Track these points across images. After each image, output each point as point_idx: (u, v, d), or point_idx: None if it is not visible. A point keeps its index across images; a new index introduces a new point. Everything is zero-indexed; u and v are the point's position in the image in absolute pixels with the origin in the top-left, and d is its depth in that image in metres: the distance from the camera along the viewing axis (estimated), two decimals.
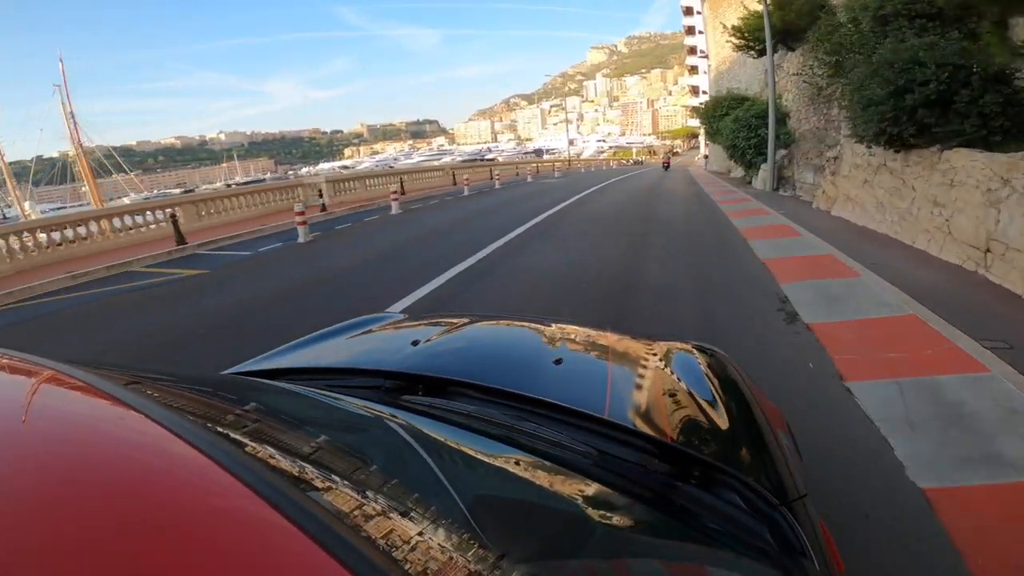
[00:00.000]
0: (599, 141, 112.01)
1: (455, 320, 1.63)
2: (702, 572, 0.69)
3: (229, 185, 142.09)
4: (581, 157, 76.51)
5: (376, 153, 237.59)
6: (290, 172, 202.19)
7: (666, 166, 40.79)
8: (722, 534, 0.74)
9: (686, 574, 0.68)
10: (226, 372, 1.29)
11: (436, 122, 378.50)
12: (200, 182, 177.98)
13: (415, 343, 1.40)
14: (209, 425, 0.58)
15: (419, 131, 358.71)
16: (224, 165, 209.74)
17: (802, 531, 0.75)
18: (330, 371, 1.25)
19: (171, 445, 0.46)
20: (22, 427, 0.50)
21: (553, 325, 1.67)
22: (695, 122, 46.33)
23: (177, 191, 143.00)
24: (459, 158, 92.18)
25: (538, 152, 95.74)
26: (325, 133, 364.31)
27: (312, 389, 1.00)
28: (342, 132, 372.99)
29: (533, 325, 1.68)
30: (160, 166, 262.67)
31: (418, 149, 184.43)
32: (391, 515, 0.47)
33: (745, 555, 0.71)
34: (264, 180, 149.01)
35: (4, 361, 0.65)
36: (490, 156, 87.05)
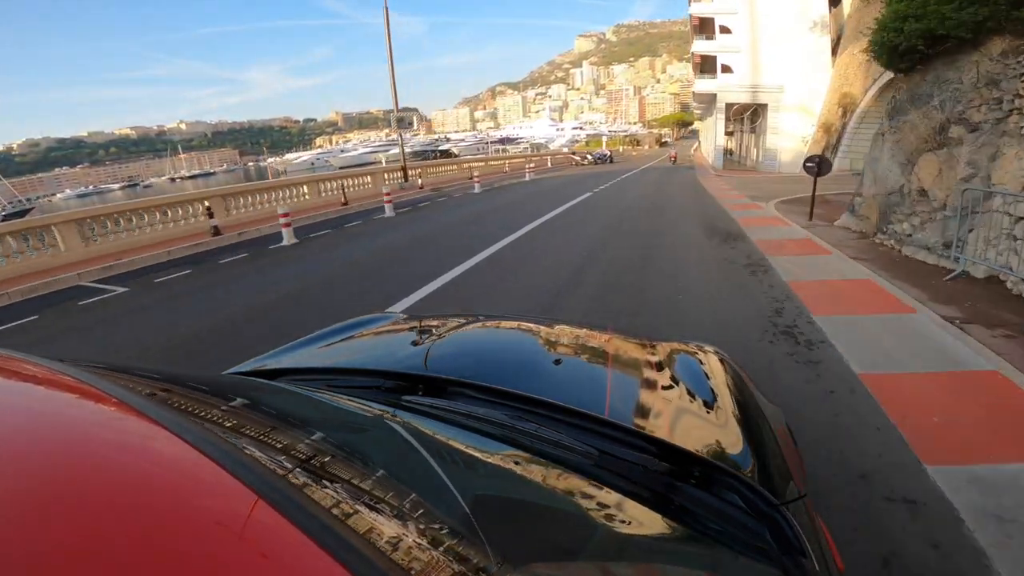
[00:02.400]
0: (575, 128, 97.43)
1: (455, 320, 1.62)
2: (702, 572, 0.69)
3: (174, 180, 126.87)
4: (548, 147, 62.95)
5: (347, 141, 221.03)
6: (250, 164, 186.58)
7: (673, 160, 33.59)
8: (722, 534, 0.73)
9: (686, 574, 0.67)
10: (226, 372, 1.28)
11: (416, 110, 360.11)
12: (152, 175, 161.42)
13: (415, 343, 1.40)
14: (209, 425, 0.58)
15: (398, 118, 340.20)
16: (182, 156, 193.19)
17: (802, 531, 0.74)
18: (330, 371, 1.24)
19: (171, 445, 0.46)
20: (22, 427, 0.50)
21: (554, 325, 1.65)
22: (706, 83, 27.87)
23: (116, 186, 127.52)
24: (408, 149, 78.41)
25: (504, 141, 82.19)
26: (297, 122, 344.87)
27: (312, 389, 0.99)
28: (315, 121, 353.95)
29: (534, 325, 1.65)
30: (112, 158, 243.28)
31: (388, 138, 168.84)
32: (391, 515, 0.47)
33: (745, 555, 0.70)
34: (215, 173, 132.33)
35: (4, 361, 0.65)
36: (444, 147, 73.42)
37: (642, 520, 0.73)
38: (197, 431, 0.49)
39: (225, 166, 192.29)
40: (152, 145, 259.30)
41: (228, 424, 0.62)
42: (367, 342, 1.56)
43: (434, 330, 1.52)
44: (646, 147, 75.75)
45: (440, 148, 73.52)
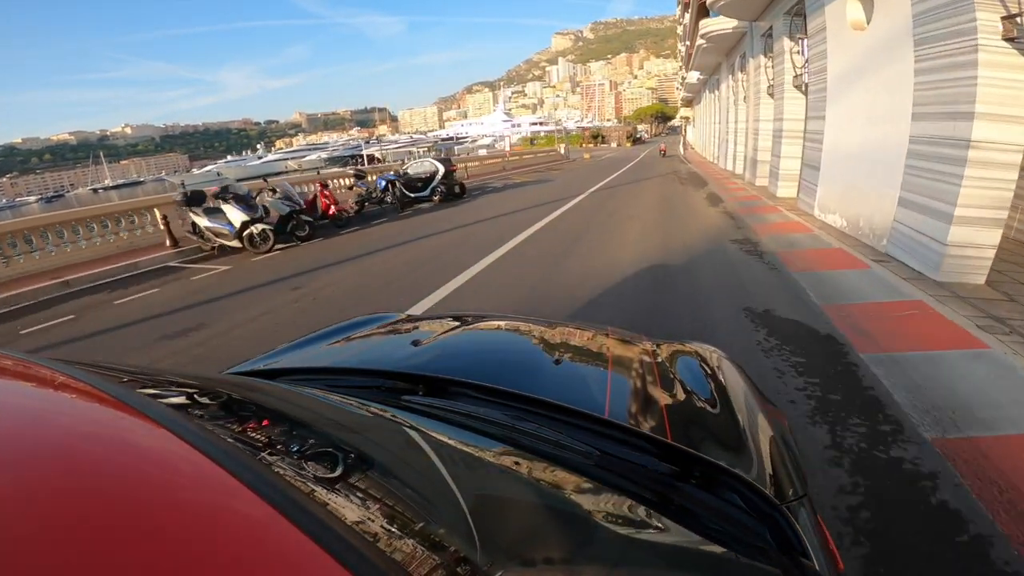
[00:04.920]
0: (535, 124, 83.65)
1: (456, 320, 1.63)
2: (702, 573, 0.69)
3: (96, 191, 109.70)
4: (495, 147, 49.30)
5: (303, 143, 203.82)
6: (195, 170, 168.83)
7: (663, 153, 29.57)
8: (722, 534, 0.74)
9: (686, 574, 0.68)
10: (226, 372, 1.28)
11: (385, 109, 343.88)
12: (90, 183, 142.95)
13: (415, 343, 1.41)
14: (208, 424, 0.59)
15: (365, 119, 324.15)
16: (100, 165, 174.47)
17: (802, 531, 0.75)
18: (330, 371, 1.24)
19: (171, 445, 0.46)
20: (22, 427, 0.50)
21: (554, 325, 1.66)
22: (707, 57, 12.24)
23: (32, 199, 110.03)
24: (324, 155, 63.71)
25: (451, 140, 68.38)
26: (258, 124, 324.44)
27: (312, 389, 1.00)
28: (277, 122, 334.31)
29: (534, 325, 1.65)
30: (45, 166, 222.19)
31: (357, 138, 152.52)
32: (391, 515, 0.48)
33: (745, 555, 0.71)
34: (143, 182, 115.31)
35: (4, 361, 0.65)
36: (369, 151, 59.36)
37: (642, 520, 0.73)
38: (196, 430, 0.49)
39: (164, 173, 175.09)
40: (93, 151, 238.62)
41: (227, 423, 0.62)
42: (367, 342, 1.54)
43: (434, 330, 1.51)
44: (613, 144, 59.21)
45: (363, 152, 59.29)
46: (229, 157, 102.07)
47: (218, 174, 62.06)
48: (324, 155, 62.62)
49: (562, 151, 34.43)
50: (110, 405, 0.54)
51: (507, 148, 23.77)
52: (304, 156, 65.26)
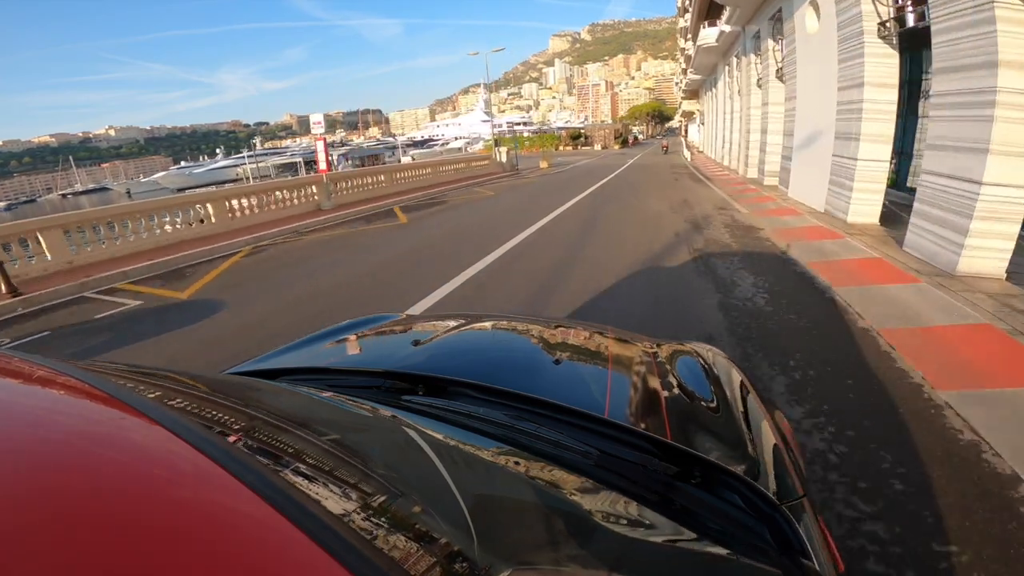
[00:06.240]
0: (520, 124, 76.93)
1: (456, 320, 1.63)
2: (702, 572, 0.69)
3: (65, 196, 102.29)
4: (466, 150, 42.52)
5: (290, 144, 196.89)
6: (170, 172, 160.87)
7: (665, 150, 30.02)
8: (722, 534, 0.74)
9: (686, 574, 0.68)
10: (226, 372, 1.28)
11: (378, 111, 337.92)
12: (67, 187, 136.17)
13: (416, 343, 1.41)
14: (209, 425, 0.58)
15: (356, 121, 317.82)
16: (105, 165, 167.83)
17: (802, 531, 0.74)
18: (330, 371, 1.24)
19: (171, 445, 0.46)
20: (22, 427, 0.50)
21: (554, 326, 1.66)
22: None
23: (2, 204, 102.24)
24: (277, 160, 56.22)
25: (423, 143, 61.81)
26: (247, 125, 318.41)
27: (312, 389, 1.00)
28: (268, 124, 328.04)
29: (534, 325, 1.65)
30: (24, 169, 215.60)
31: (340, 139, 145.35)
32: (390, 515, 0.48)
33: (745, 555, 0.70)
34: (111, 188, 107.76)
35: (4, 361, 0.65)
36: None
37: (642, 520, 0.73)
38: (196, 430, 0.49)
39: (141, 176, 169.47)
40: (74, 153, 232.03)
41: (227, 423, 0.62)
42: (367, 342, 1.55)
43: (434, 330, 1.52)
44: (597, 147, 50.04)
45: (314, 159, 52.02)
46: (183, 163, 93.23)
47: (157, 183, 53.26)
48: (278, 160, 55.06)
49: (502, 160, 22.79)
50: (110, 405, 0.54)
51: (337, 162, 15.20)
52: (260, 162, 58.03)
